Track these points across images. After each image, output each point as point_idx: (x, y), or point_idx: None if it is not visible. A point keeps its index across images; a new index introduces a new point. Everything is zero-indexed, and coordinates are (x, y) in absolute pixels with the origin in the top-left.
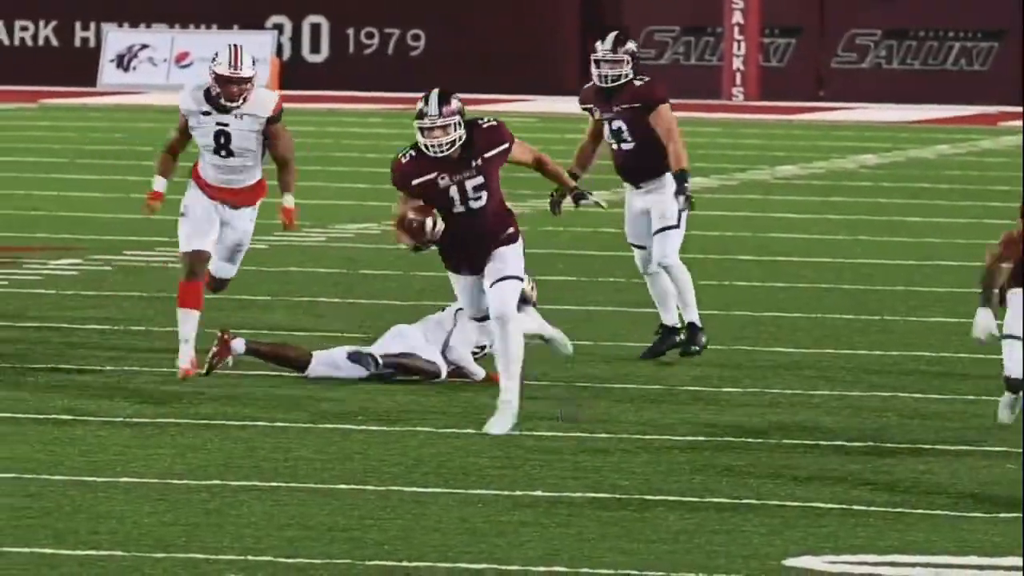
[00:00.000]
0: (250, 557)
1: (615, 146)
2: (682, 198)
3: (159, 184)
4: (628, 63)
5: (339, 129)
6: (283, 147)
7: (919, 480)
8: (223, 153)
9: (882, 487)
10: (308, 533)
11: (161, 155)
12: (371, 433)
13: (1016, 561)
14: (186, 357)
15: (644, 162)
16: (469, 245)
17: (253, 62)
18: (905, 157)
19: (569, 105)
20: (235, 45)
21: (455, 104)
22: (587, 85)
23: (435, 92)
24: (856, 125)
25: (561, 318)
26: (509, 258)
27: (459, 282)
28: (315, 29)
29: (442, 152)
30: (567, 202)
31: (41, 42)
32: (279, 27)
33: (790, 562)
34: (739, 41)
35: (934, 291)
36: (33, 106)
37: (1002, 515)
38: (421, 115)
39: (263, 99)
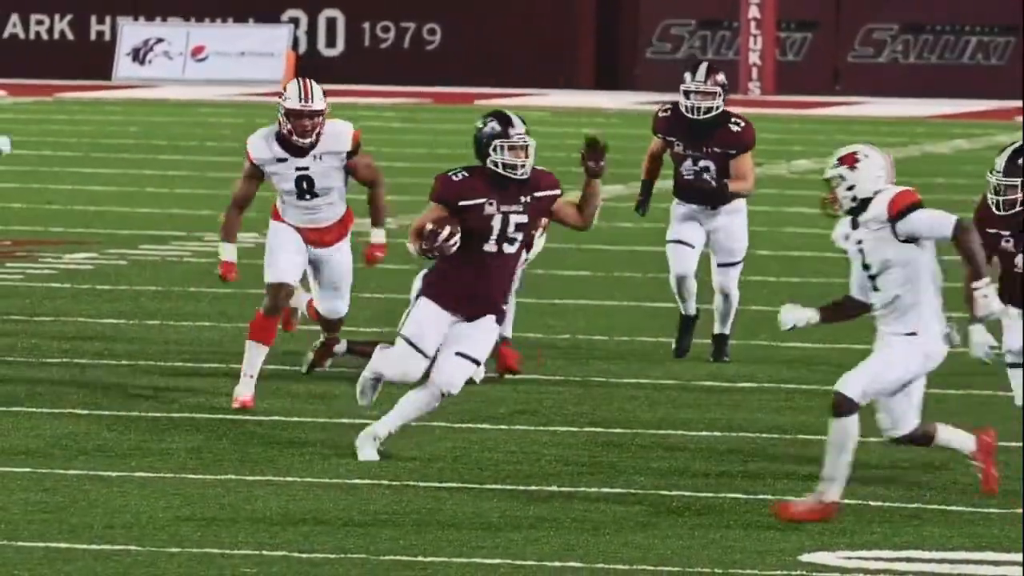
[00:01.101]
0: (265, 552)
1: (690, 177)
2: None
3: (229, 253)
4: (720, 95)
5: (355, 124)
6: (368, 174)
7: (936, 476)
8: (307, 197)
9: (898, 483)
10: (323, 528)
11: (227, 214)
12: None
13: None
14: (247, 390)
15: (720, 197)
16: (471, 289)
17: (324, 95)
18: (921, 152)
19: (584, 99)
20: (303, 78)
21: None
22: (665, 112)
23: (510, 113)
24: (872, 119)
25: (577, 313)
26: (484, 338)
27: (429, 309)
28: (331, 23)
29: (523, 174)
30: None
31: (57, 36)
32: (295, 21)
33: (805, 558)
34: (755, 35)
35: (949, 287)
36: (49, 100)
37: (1018, 511)
38: (504, 134)
39: (338, 133)
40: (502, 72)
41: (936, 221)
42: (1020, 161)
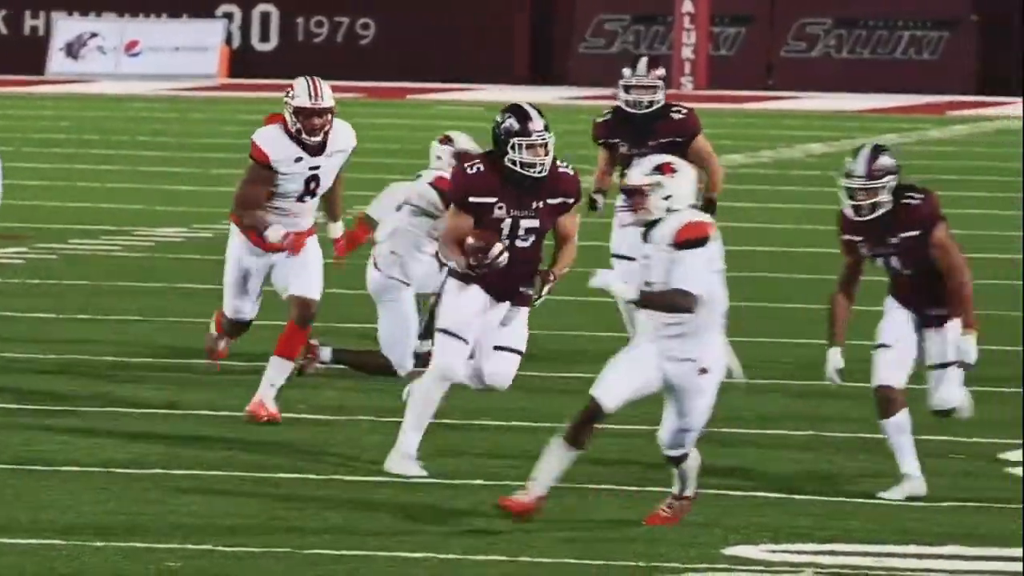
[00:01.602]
0: (190, 545)
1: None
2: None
3: (277, 232)
4: (661, 89)
5: None
6: (341, 175)
7: (863, 470)
8: (307, 198)
9: (825, 477)
10: (249, 522)
11: (248, 219)
12: (313, 422)
13: (956, 550)
14: (268, 401)
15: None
16: (489, 277)
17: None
18: (853, 146)
19: (518, 94)
20: (311, 77)
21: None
22: (604, 116)
23: (531, 108)
24: (804, 114)
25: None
26: (521, 327)
27: (466, 293)
28: (264, 18)
29: (541, 173)
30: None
31: None
32: (229, 16)
33: (729, 551)
34: (689, 30)
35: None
36: None
37: (944, 504)
38: (523, 132)
39: (345, 131)
40: (436, 67)
41: (692, 275)
42: (880, 162)
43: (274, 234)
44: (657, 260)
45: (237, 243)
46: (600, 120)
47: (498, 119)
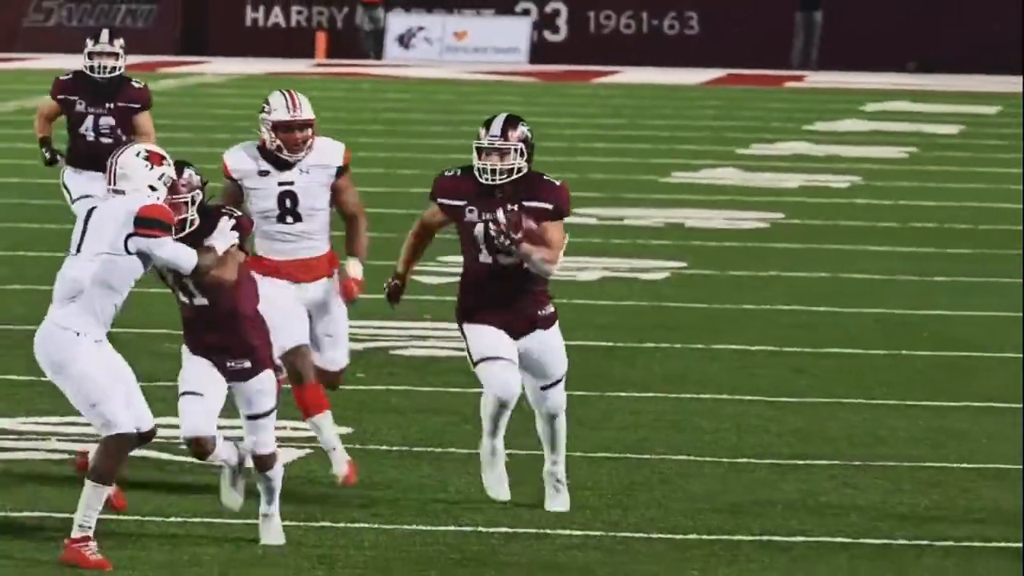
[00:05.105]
0: None
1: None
2: None
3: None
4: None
5: None
6: (353, 201)
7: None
8: (289, 219)
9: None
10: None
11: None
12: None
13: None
14: (341, 462)
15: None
16: (492, 303)
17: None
18: None
19: None
20: (287, 89)
21: (522, 130)
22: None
23: (502, 115)
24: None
25: None
26: (556, 353)
27: (480, 328)
28: None
29: (494, 180)
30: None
31: None
32: None
33: None
34: None
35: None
36: None
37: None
38: (480, 136)
39: (329, 147)
40: None
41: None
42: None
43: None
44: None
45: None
46: (63, 78)
47: None
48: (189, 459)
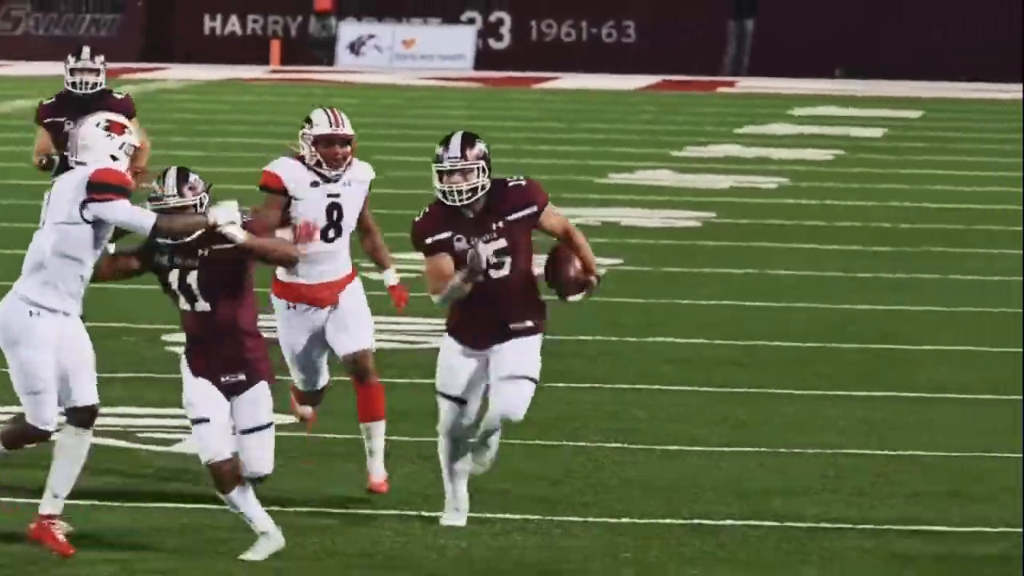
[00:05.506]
0: None
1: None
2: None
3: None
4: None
5: None
6: (370, 214)
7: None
8: (332, 234)
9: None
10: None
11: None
12: None
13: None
14: (378, 474)
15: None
16: (478, 318)
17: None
18: None
19: None
20: (329, 107)
21: (479, 148)
22: (49, 100)
23: (459, 134)
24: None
25: None
26: (529, 355)
27: (453, 351)
28: None
29: (460, 200)
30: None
31: None
32: None
33: None
34: None
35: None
36: None
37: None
38: (439, 158)
39: (360, 165)
40: None
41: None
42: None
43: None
44: None
45: (279, 319)
46: (46, 103)
47: None
48: (148, 446)
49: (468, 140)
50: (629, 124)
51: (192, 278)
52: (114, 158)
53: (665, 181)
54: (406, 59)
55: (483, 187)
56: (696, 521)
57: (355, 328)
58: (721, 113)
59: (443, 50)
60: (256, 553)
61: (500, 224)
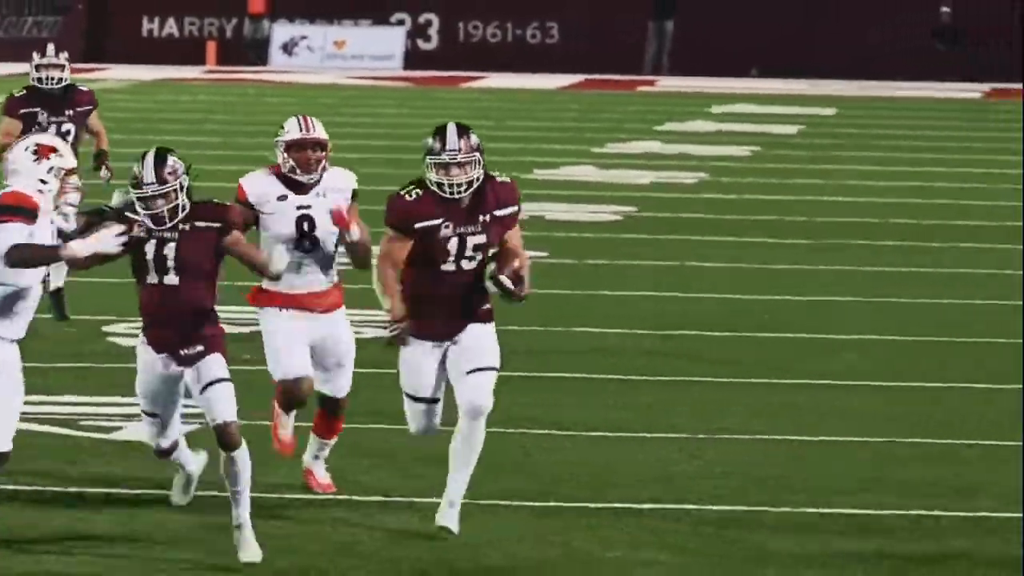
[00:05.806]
0: None
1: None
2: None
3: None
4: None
5: None
6: (362, 226)
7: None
8: (306, 245)
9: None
10: None
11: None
12: None
13: None
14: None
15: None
16: (440, 307)
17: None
18: None
19: None
20: (302, 114)
21: (474, 139)
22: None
23: (452, 125)
24: None
25: None
26: (488, 344)
27: (413, 350)
28: None
29: (460, 192)
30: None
31: None
32: None
33: None
34: None
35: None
36: None
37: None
38: (435, 151)
39: (342, 173)
40: None
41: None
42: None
43: (279, 261)
44: None
45: (269, 321)
46: (17, 94)
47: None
48: (90, 434)
49: (463, 132)
50: (553, 122)
51: (169, 249)
52: (43, 181)
53: (588, 177)
54: (337, 59)
55: (478, 179)
56: (620, 505)
57: (336, 373)
58: (642, 111)
59: (373, 51)
60: (249, 551)
61: (487, 218)
